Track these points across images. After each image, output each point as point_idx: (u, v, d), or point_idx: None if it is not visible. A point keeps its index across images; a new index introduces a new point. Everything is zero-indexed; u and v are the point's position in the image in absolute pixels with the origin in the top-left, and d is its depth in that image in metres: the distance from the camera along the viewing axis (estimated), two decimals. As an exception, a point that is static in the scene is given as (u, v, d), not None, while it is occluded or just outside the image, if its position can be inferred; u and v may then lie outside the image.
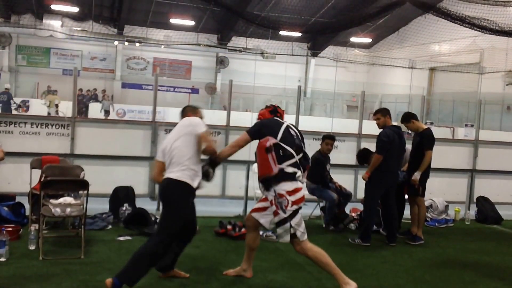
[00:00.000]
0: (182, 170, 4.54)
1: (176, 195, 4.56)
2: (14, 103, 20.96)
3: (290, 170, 4.68)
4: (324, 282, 5.18)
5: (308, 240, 4.74)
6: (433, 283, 5.54)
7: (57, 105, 21.50)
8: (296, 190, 4.69)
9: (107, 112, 24.06)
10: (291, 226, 4.64)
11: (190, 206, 4.74)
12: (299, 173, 4.74)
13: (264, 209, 4.93)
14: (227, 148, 5.00)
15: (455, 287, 5.48)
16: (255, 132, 4.87)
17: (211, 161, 4.78)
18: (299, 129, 5.13)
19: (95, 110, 24.31)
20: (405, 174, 7.22)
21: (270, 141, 4.63)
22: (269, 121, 4.96)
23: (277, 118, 5.00)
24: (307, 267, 5.59)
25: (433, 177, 7.49)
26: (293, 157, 4.73)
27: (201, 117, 4.88)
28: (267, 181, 4.69)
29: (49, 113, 20.90)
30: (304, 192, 4.83)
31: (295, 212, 4.68)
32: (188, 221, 4.76)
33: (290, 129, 4.89)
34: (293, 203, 4.66)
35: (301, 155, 4.83)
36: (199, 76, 31.60)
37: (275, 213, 4.69)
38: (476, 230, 8.34)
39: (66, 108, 20.65)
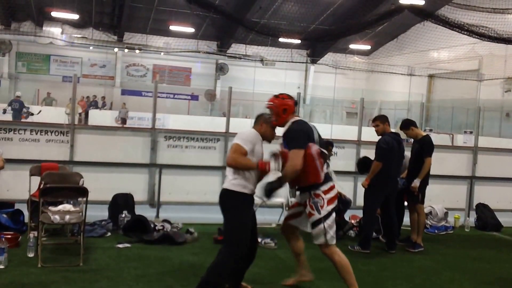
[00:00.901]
0: (234, 179, 4.51)
1: (232, 204, 4.52)
2: (26, 111, 20.81)
3: (326, 171, 4.70)
4: (323, 289, 5.17)
5: (335, 245, 4.72)
6: (432, 290, 5.53)
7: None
8: (331, 188, 4.70)
9: (123, 120, 23.79)
10: (324, 228, 4.62)
11: (250, 216, 4.58)
12: (330, 170, 4.76)
13: (299, 214, 4.93)
14: (289, 169, 4.52)
15: (455, 294, 5.48)
16: (304, 143, 4.58)
17: (275, 183, 4.54)
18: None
19: (95, 117, 24.30)
20: (405, 181, 7.22)
21: (314, 147, 4.60)
22: (306, 128, 4.71)
23: (305, 121, 4.86)
24: (306, 274, 5.57)
25: (433, 184, 7.48)
26: (326, 157, 4.75)
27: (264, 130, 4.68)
28: (311, 187, 4.66)
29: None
30: (337, 190, 4.81)
31: (330, 213, 4.66)
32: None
33: (315, 130, 4.83)
34: (329, 202, 4.65)
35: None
36: (198, 83, 31.65)
37: (310, 214, 4.68)
38: (475, 237, 8.33)
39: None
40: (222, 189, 4.58)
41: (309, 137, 4.65)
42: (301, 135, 4.62)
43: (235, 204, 4.51)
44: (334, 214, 4.73)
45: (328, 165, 4.77)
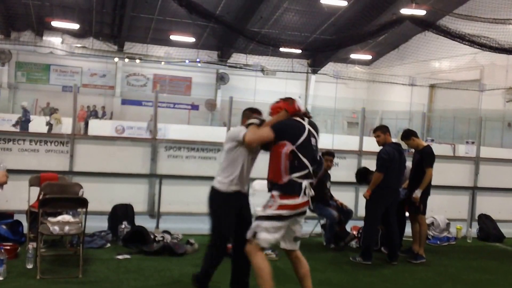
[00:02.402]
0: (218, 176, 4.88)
1: (212, 202, 4.83)
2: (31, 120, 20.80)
3: (299, 181, 4.43)
4: (325, 301, 5.11)
5: (263, 253, 4.50)
6: (435, 302, 5.47)
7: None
8: (291, 197, 4.42)
9: (151, 132, 23.93)
10: (258, 226, 4.43)
11: (231, 214, 4.79)
12: (306, 184, 4.47)
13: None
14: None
15: (458, 307, 5.42)
16: (279, 131, 4.53)
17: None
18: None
19: (95, 127, 24.29)
20: (406, 191, 7.18)
21: (287, 147, 4.43)
22: (292, 123, 4.61)
23: (299, 120, 4.66)
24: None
25: (434, 195, 7.44)
26: (306, 168, 4.48)
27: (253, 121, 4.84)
28: (272, 184, 4.50)
29: None
30: (301, 202, 4.45)
31: (273, 217, 4.40)
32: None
33: (311, 138, 4.64)
34: (280, 207, 4.39)
35: (315, 166, 4.62)
36: (199, 93, 31.67)
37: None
38: (478, 248, 8.28)
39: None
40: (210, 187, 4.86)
41: (290, 133, 4.53)
42: (282, 124, 4.62)
43: (215, 202, 4.81)
44: (280, 224, 4.42)
45: (314, 177, 4.59)
